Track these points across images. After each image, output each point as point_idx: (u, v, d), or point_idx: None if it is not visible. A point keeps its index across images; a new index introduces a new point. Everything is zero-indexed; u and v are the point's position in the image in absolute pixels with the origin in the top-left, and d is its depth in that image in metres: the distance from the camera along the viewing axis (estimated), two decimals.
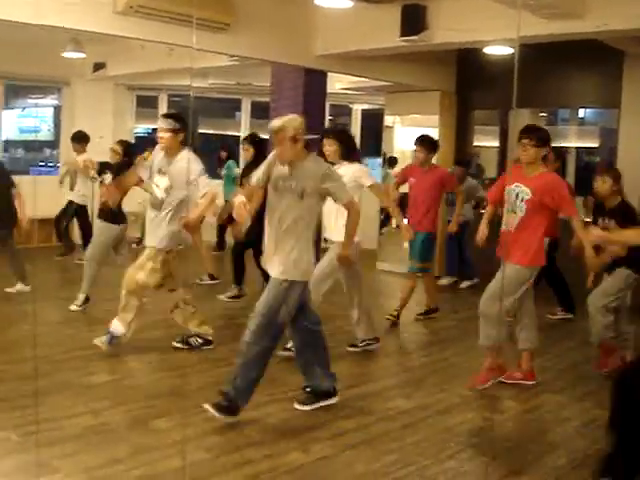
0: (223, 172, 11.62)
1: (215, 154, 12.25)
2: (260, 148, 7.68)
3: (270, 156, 4.68)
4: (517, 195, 5.18)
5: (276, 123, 4.50)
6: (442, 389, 5.51)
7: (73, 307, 7.29)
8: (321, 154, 5.82)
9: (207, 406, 4.48)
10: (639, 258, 5.42)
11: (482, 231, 5.52)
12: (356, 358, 6.16)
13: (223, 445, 4.26)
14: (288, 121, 4.50)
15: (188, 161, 5.71)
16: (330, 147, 5.96)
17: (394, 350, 6.82)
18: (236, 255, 8.10)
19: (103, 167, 7.91)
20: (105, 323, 6.03)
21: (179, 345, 6.13)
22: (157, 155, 5.99)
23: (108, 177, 7.50)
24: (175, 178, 5.75)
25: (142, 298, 5.91)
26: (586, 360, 6.08)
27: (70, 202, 9.94)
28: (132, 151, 7.99)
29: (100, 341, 5.84)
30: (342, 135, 6.21)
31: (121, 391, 5.15)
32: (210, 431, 4.46)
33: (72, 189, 9.94)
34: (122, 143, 8.12)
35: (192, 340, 6.16)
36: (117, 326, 5.83)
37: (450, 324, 7.70)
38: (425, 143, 7.36)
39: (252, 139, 8.10)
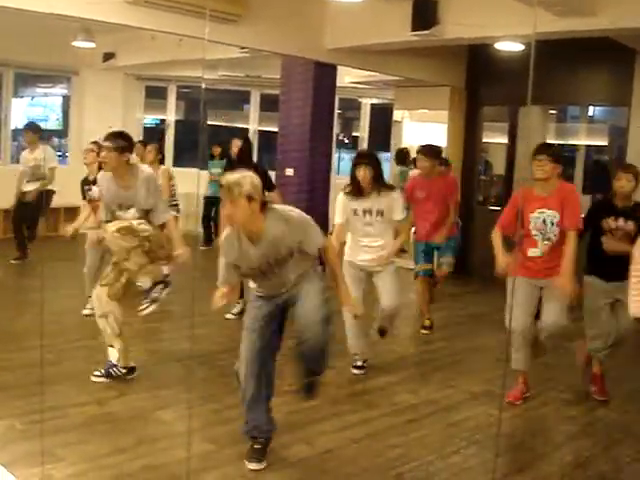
0: (213, 170, 11.14)
1: (223, 145, 12.16)
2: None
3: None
4: (544, 221, 5.02)
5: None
6: (448, 385, 5.50)
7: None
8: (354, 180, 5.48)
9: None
10: None
11: (502, 263, 5.08)
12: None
13: (228, 436, 4.27)
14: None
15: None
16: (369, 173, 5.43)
17: (400, 345, 6.81)
18: None
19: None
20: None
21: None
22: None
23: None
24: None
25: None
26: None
27: None
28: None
29: None
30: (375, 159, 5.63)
31: (126, 381, 5.15)
32: (215, 422, 4.47)
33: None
34: (97, 143, 7.43)
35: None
36: None
37: (457, 320, 7.70)
38: (431, 152, 6.98)
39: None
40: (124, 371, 5.19)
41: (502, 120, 10.98)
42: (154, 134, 13.75)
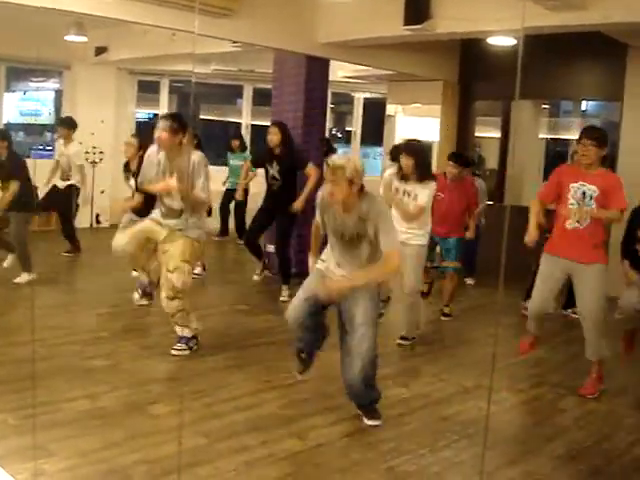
0: (235, 162, 11.26)
1: (215, 140, 12.21)
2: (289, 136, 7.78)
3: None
4: (584, 193, 5.09)
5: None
6: (440, 379, 5.51)
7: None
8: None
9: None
10: None
11: (533, 234, 5.22)
12: None
13: (220, 431, 4.27)
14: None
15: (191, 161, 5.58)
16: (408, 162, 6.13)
17: (392, 339, 6.82)
18: (250, 242, 8.14)
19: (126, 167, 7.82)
20: (101, 307, 6.01)
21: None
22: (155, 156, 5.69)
23: (133, 182, 7.09)
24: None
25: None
26: (584, 352, 6.08)
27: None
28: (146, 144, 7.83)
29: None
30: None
31: (118, 376, 5.15)
32: (207, 417, 4.46)
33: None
34: (138, 137, 7.83)
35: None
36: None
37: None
38: (461, 160, 7.47)
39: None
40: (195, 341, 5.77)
41: (495, 114, 11.01)
42: (147, 128, 13.72)
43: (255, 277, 8.58)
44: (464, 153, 7.50)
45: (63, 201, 9.32)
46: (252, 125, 13.51)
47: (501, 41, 8.21)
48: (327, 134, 11.05)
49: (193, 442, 4.05)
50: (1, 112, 11.83)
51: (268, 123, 9.46)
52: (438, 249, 7.46)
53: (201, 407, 4.60)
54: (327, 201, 4.37)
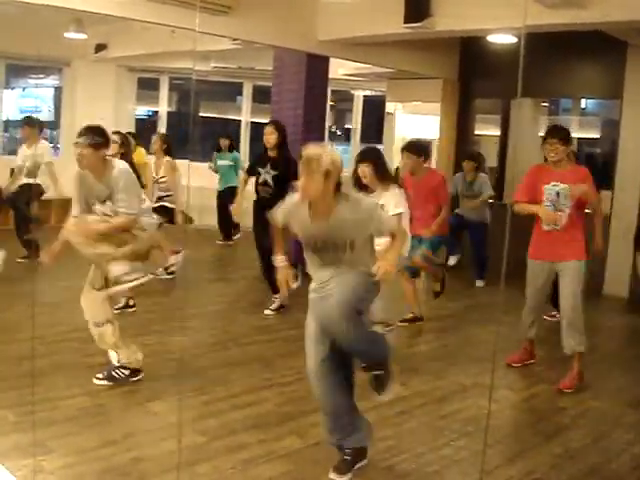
0: (223, 162, 11.06)
1: (215, 137, 12.18)
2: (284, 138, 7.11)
3: None
4: (558, 193, 5.27)
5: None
6: (439, 377, 5.51)
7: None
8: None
9: None
10: None
11: (547, 213, 5.30)
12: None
13: (218, 429, 4.27)
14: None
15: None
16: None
17: (390, 337, 6.83)
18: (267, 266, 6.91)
19: None
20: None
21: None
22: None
23: None
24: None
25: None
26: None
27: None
28: (129, 142, 7.78)
29: None
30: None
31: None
32: (206, 414, 4.46)
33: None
34: (120, 134, 7.52)
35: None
36: None
37: (449, 313, 7.69)
38: (414, 149, 6.87)
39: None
40: (127, 373, 5.00)
41: (494, 112, 11.00)
42: (146, 125, 13.73)
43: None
44: (419, 141, 7.11)
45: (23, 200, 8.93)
46: (252, 122, 13.51)
47: (501, 39, 8.21)
48: (327, 132, 11.04)
49: (192, 440, 4.05)
50: (0, 109, 11.82)
51: (268, 120, 9.46)
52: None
53: (200, 405, 4.61)
54: (297, 203, 3.80)
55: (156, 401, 4.62)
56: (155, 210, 7.82)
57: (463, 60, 10.52)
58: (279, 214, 3.93)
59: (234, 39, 8.60)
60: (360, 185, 5.42)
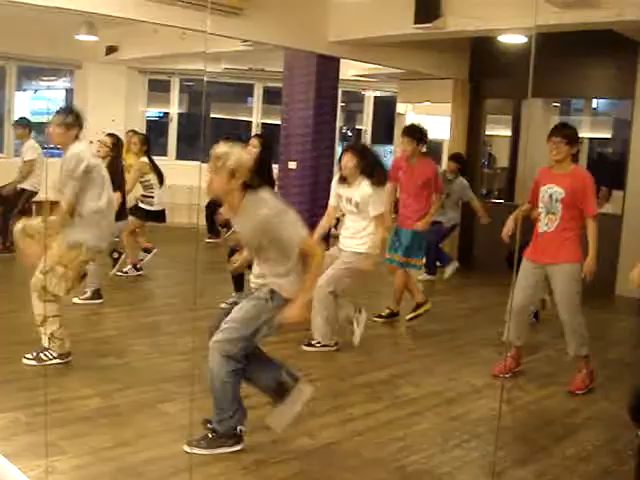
0: None
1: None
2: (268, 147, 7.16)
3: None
4: (551, 196, 5.23)
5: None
6: (450, 378, 5.51)
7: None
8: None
9: None
10: None
11: (509, 226, 5.41)
12: (364, 346, 6.16)
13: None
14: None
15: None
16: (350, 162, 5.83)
17: (403, 339, 6.82)
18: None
19: None
20: (112, 305, 6.02)
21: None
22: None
23: None
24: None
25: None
26: (594, 353, 6.06)
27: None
28: (120, 145, 7.85)
29: None
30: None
31: (130, 374, 5.17)
32: None
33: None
34: (112, 136, 7.73)
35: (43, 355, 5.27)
36: None
37: (459, 314, 7.69)
38: (413, 133, 6.87)
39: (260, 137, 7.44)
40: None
41: (506, 113, 10.98)
42: (157, 127, 13.75)
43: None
44: (418, 125, 7.03)
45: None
46: (263, 124, 13.52)
47: (512, 39, 8.19)
48: (337, 133, 11.05)
49: None
50: (13, 111, 11.87)
51: (279, 122, 9.49)
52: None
53: (211, 406, 4.60)
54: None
55: (168, 402, 4.63)
56: (131, 210, 7.99)
57: (474, 60, 10.50)
58: None
59: (245, 40, 8.62)
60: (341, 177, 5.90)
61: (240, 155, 3.81)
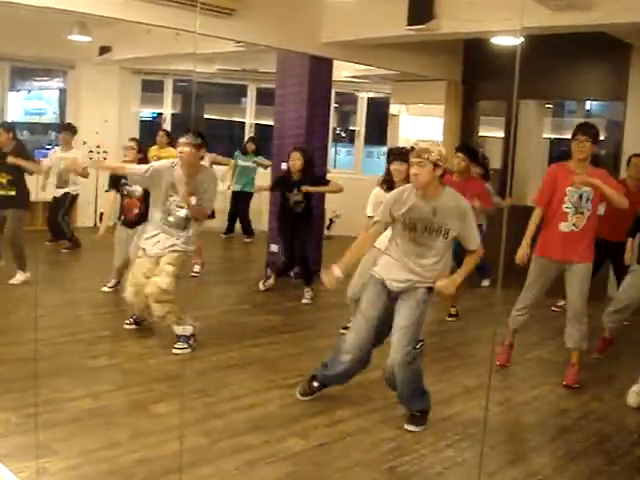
0: (244, 163, 11.64)
1: (219, 139, 12.33)
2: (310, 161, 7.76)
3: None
4: (581, 196, 5.31)
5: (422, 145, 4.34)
6: (441, 379, 5.51)
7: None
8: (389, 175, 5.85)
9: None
10: None
11: (525, 251, 5.48)
12: None
13: (222, 430, 4.27)
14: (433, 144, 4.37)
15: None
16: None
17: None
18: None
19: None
20: (104, 306, 6.00)
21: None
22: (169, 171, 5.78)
23: (139, 190, 7.00)
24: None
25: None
26: (585, 353, 6.08)
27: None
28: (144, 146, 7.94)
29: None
30: None
31: (121, 375, 5.18)
32: (209, 416, 4.47)
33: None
34: (135, 140, 7.75)
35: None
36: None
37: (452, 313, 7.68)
38: (468, 151, 7.19)
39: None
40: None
41: (499, 114, 10.99)
42: (151, 128, 13.74)
43: (261, 286, 8.28)
44: (471, 145, 7.22)
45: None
46: (256, 124, 13.53)
47: (505, 41, 8.19)
48: (331, 134, 11.09)
49: (195, 441, 4.06)
50: (6, 111, 11.86)
51: (272, 123, 9.50)
52: None
53: (203, 406, 4.62)
54: None
55: (160, 403, 4.63)
56: None
57: (467, 62, 10.51)
58: (387, 204, 4.58)
59: (238, 41, 8.61)
60: (390, 184, 5.74)
61: (440, 147, 4.37)
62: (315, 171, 7.90)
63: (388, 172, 5.87)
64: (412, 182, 4.34)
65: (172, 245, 5.72)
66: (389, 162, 5.87)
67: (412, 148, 4.32)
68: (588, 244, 5.39)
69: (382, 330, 4.53)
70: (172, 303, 5.63)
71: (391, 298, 4.48)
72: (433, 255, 4.39)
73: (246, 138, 12.89)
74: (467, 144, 7.29)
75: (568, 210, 5.33)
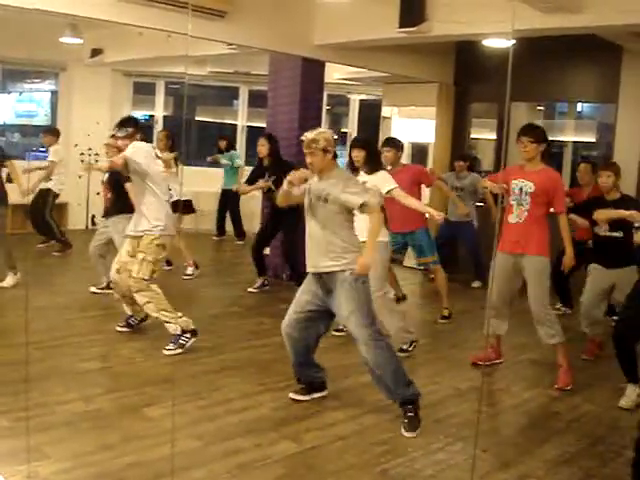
0: (223, 161, 11.70)
1: (211, 141, 12.33)
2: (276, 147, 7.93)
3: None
4: (521, 189, 5.49)
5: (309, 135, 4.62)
6: (433, 381, 5.51)
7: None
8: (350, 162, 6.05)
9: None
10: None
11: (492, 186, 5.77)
12: (348, 349, 6.15)
13: (214, 433, 4.27)
14: (319, 133, 4.63)
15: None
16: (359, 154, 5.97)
17: None
18: (256, 251, 8.30)
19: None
20: (95, 309, 5.98)
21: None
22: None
23: None
24: None
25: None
26: (577, 355, 6.10)
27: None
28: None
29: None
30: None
31: (113, 378, 5.17)
32: (201, 419, 4.46)
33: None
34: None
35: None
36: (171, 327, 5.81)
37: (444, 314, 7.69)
38: (393, 143, 7.06)
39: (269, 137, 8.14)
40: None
41: (490, 116, 11.01)
42: (142, 130, 13.69)
43: (250, 289, 8.28)
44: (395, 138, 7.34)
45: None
46: (248, 127, 13.52)
47: (496, 43, 8.22)
48: None
49: (187, 445, 4.05)
50: None
51: (264, 125, 9.51)
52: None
53: (195, 409, 4.61)
54: None
55: (152, 406, 4.62)
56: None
57: (458, 64, 10.54)
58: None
59: (229, 44, 8.61)
60: (352, 167, 5.97)
61: (325, 134, 4.65)
62: (283, 157, 8.09)
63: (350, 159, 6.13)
64: (309, 169, 4.65)
65: (141, 225, 5.85)
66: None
67: (302, 141, 4.61)
68: (538, 237, 5.46)
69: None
70: (150, 291, 5.74)
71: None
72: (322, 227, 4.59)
73: (238, 140, 12.93)
74: (391, 137, 7.39)
75: (513, 203, 5.53)
